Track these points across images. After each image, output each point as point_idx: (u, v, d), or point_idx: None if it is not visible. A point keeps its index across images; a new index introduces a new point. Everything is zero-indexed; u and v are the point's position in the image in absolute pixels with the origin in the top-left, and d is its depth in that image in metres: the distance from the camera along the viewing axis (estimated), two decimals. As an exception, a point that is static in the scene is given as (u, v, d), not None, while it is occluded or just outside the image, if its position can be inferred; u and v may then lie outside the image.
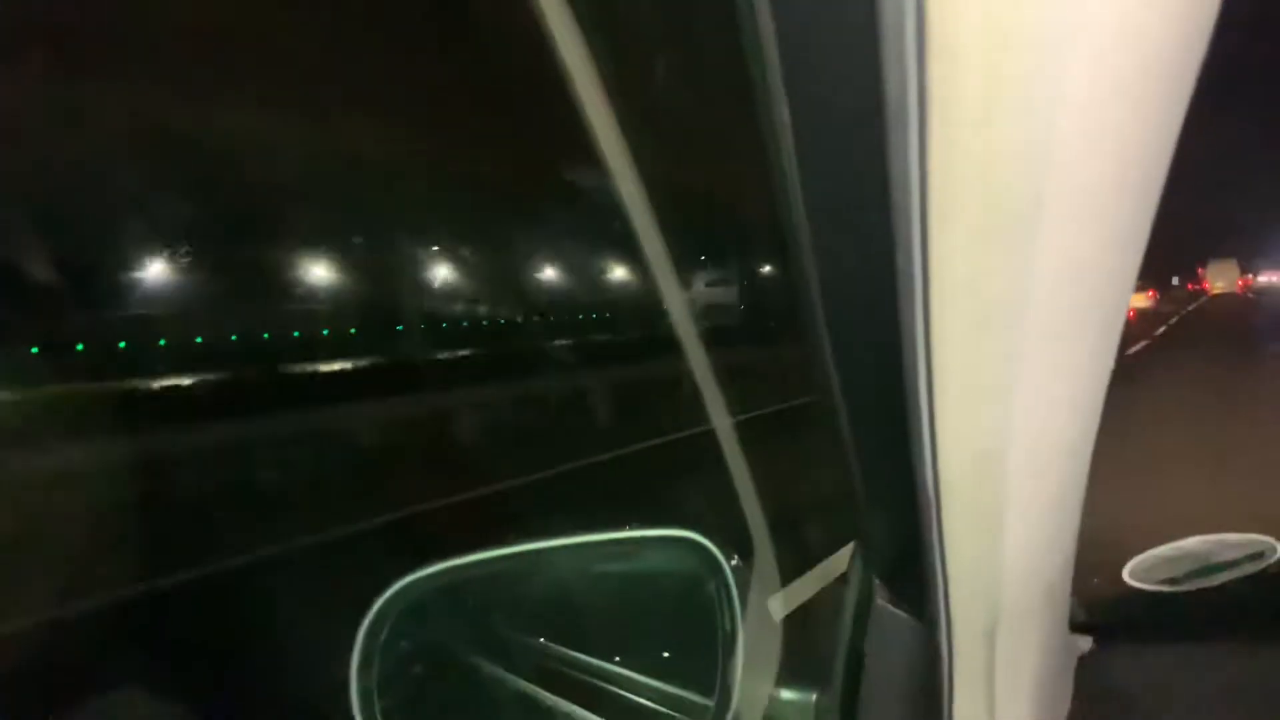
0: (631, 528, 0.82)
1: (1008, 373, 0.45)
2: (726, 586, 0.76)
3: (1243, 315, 27.06)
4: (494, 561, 0.86)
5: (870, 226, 0.42)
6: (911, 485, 0.53)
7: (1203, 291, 59.00)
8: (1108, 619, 0.82)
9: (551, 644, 0.98)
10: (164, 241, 21.20)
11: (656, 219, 0.55)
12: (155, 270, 21.96)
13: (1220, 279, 59.35)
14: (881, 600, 0.68)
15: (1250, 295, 50.77)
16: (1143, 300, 35.48)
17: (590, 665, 0.93)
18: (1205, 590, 0.84)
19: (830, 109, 0.41)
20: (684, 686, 0.84)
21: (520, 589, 0.93)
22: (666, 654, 0.88)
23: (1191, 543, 0.87)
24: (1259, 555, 0.84)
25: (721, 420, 0.72)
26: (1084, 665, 0.77)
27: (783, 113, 0.41)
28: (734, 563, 0.77)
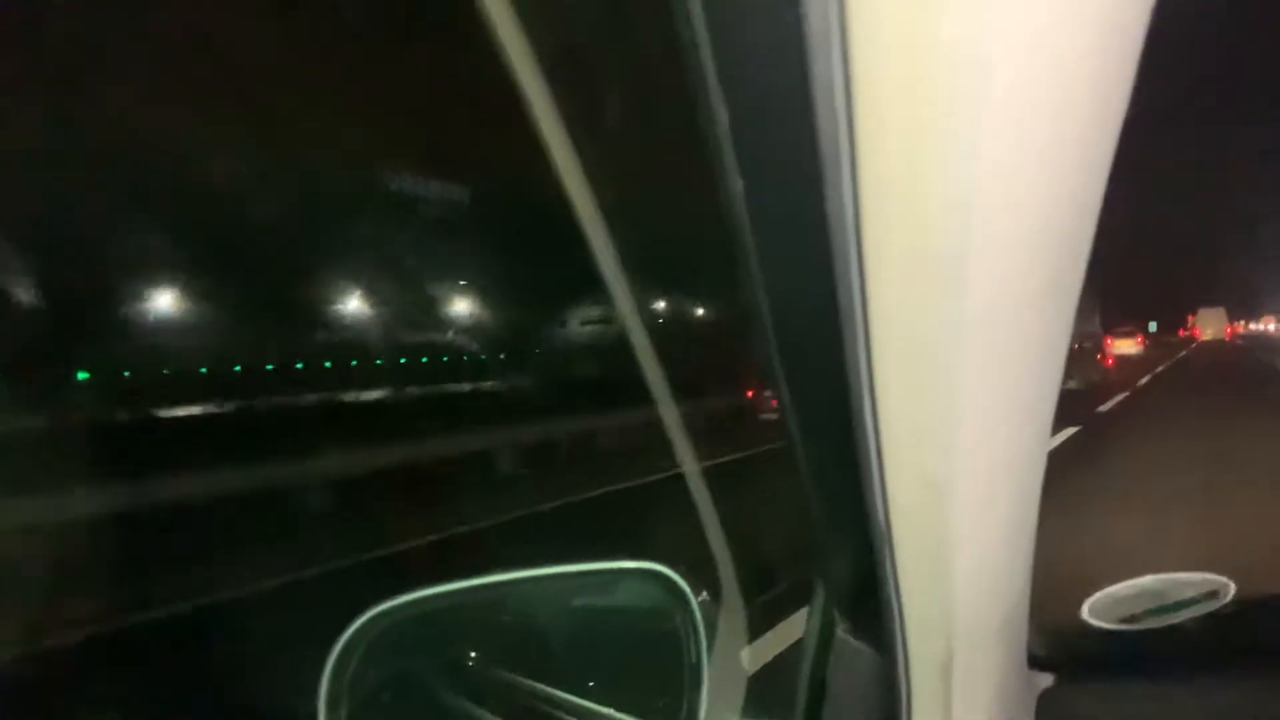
0: (600, 560, 0.83)
1: (948, 410, 0.47)
2: (693, 619, 0.77)
3: (1228, 363, 26.82)
4: (463, 592, 0.86)
5: (813, 270, 0.44)
6: (865, 519, 0.54)
7: (1193, 338, 59.68)
8: (1068, 656, 0.83)
9: (519, 676, 0.98)
10: None
11: (618, 250, 0.56)
12: None
13: (1209, 326, 60.26)
14: (842, 632, 0.69)
15: (1238, 342, 51.35)
16: (1130, 346, 35.27)
17: (557, 698, 0.93)
18: (1162, 629, 0.85)
19: (773, 156, 0.43)
20: (651, 718, 0.84)
21: (489, 620, 0.94)
22: (633, 686, 0.88)
23: (1148, 581, 0.89)
24: (1214, 594, 0.86)
25: (688, 459, 0.74)
26: (1044, 702, 0.78)
27: (730, 155, 0.43)
28: (701, 596, 0.78)
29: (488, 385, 19.84)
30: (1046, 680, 0.80)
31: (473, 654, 1.00)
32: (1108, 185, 0.43)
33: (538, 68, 0.54)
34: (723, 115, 0.42)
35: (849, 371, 0.47)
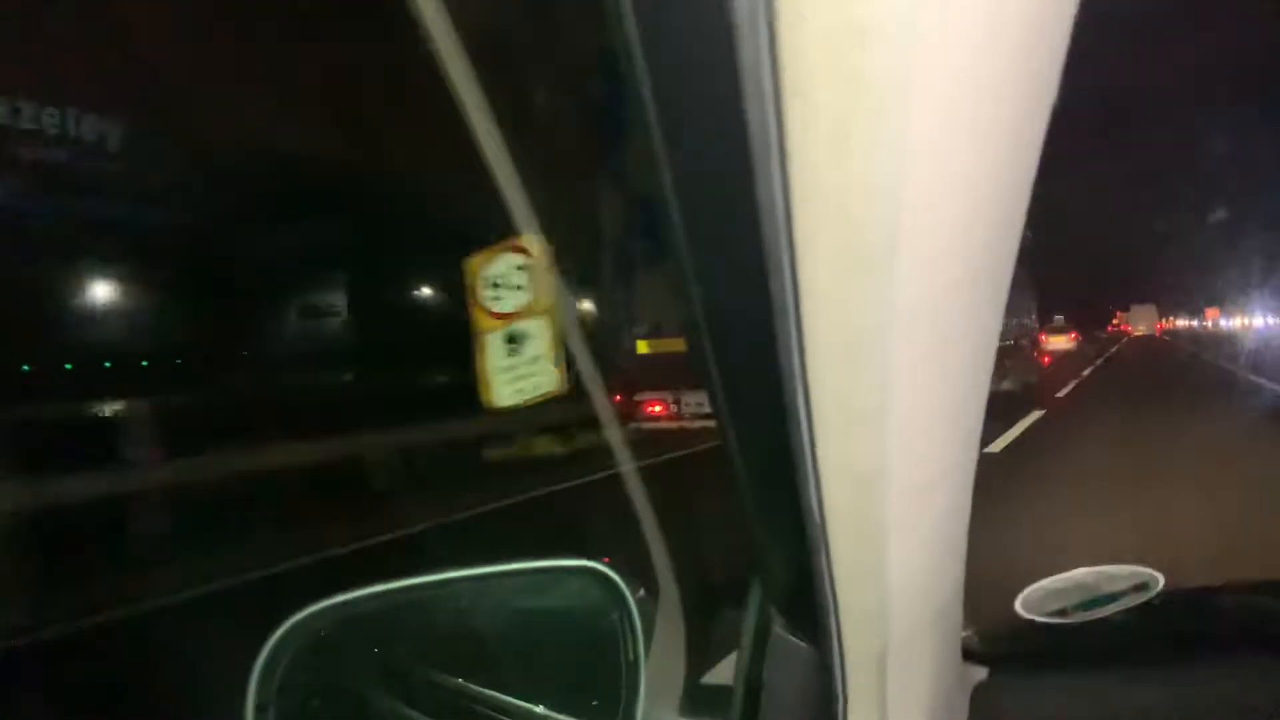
0: (536, 558, 0.82)
1: (879, 401, 0.47)
2: (630, 617, 0.76)
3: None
4: (395, 593, 0.85)
5: (744, 257, 0.43)
6: (799, 513, 0.54)
7: (1122, 333, 62.07)
8: (1001, 649, 0.84)
9: (453, 678, 0.97)
10: None
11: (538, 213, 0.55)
12: None
13: (1141, 322, 63.02)
14: (778, 628, 0.69)
15: (1166, 338, 53.56)
16: (1064, 342, 35.98)
17: (494, 699, 0.92)
18: (1093, 621, 0.86)
19: (699, 145, 0.42)
20: (588, 718, 0.83)
21: (422, 621, 0.92)
22: (570, 685, 0.87)
23: (1079, 574, 0.90)
24: (1143, 587, 0.87)
25: (625, 461, 0.73)
26: (978, 695, 0.79)
27: (660, 145, 0.42)
28: (639, 594, 0.77)
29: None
30: (981, 674, 0.80)
31: (406, 656, 0.98)
32: (1038, 184, 0.44)
33: (467, 60, 0.53)
34: (650, 102, 0.41)
35: (781, 365, 0.46)
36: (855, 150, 0.38)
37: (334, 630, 0.86)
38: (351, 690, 0.95)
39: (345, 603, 0.84)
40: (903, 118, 0.37)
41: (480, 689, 0.94)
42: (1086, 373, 20.01)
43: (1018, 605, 0.89)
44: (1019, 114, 0.40)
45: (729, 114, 0.38)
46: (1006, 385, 13.54)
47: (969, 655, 0.78)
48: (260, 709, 0.81)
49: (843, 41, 0.35)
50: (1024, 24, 0.37)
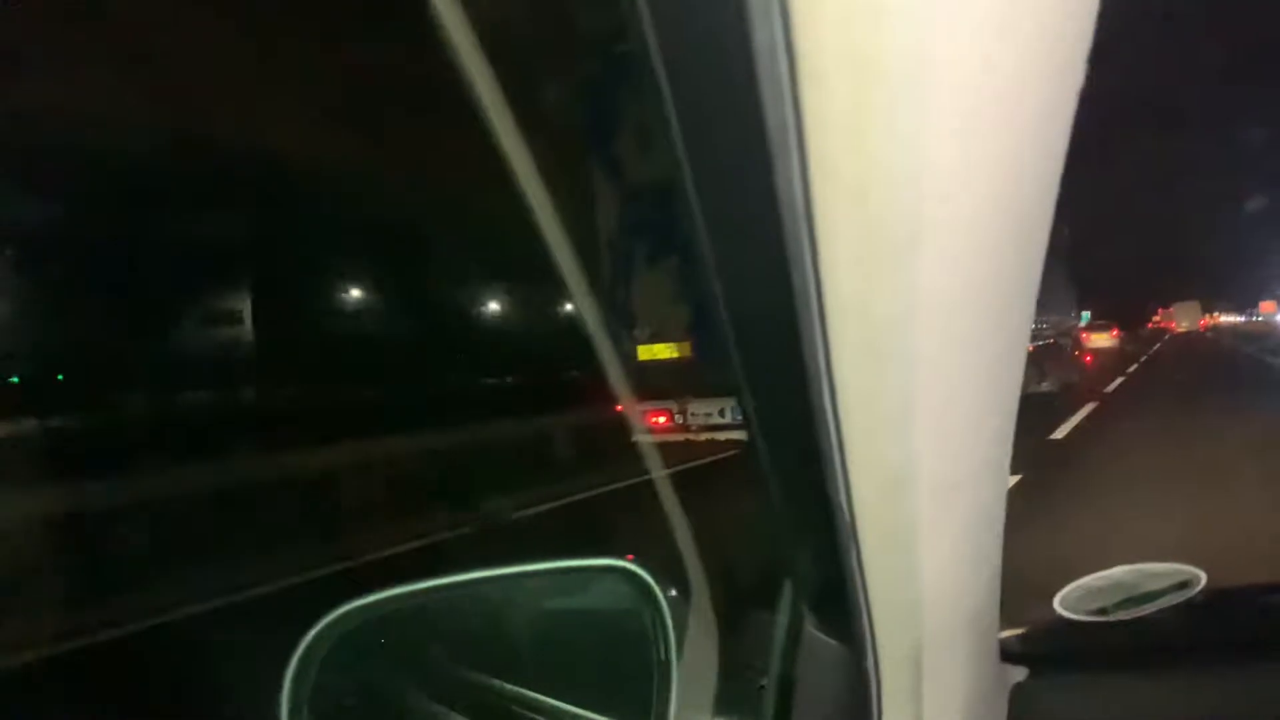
0: (567, 558, 0.82)
1: (906, 398, 0.46)
2: (662, 616, 0.76)
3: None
4: (428, 592, 0.85)
5: (764, 250, 0.43)
6: (828, 512, 0.53)
7: (1164, 330, 61.45)
8: (1040, 649, 0.82)
9: (486, 676, 0.97)
10: None
11: (569, 232, 0.55)
12: None
13: (1185, 319, 62.68)
14: (810, 627, 0.68)
15: (1209, 334, 53.02)
16: (1106, 340, 35.32)
17: (525, 698, 0.92)
18: (1134, 620, 0.85)
19: (718, 140, 0.41)
20: (619, 717, 0.83)
21: (455, 620, 0.93)
22: (602, 685, 0.87)
23: (1119, 572, 0.88)
24: (1184, 585, 0.85)
25: (655, 466, 0.73)
26: (1017, 695, 0.78)
27: (678, 143, 0.42)
28: (671, 593, 0.77)
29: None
30: (1020, 674, 0.79)
31: (439, 655, 0.98)
32: (1076, 180, 0.43)
33: (489, 63, 0.52)
34: (663, 92, 0.40)
35: (807, 362, 0.46)
36: (873, 138, 0.37)
37: (367, 629, 0.86)
38: (385, 689, 0.96)
39: (378, 602, 0.85)
40: (921, 103, 0.36)
41: (513, 687, 0.94)
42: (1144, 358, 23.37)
43: (1056, 604, 0.88)
44: (1044, 100, 0.39)
45: (744, 102, 0.38)
46: (1046, 386, 13.17)
47: (1007, 655, 0.77)
48: (295, 708, 0.81)
49: (858, 24, 0.35)
50: (1047, 5, 0.37)
